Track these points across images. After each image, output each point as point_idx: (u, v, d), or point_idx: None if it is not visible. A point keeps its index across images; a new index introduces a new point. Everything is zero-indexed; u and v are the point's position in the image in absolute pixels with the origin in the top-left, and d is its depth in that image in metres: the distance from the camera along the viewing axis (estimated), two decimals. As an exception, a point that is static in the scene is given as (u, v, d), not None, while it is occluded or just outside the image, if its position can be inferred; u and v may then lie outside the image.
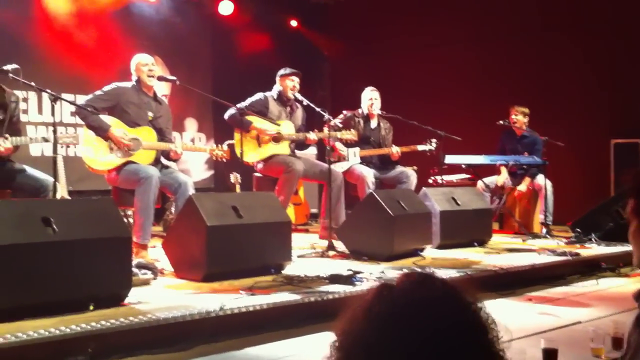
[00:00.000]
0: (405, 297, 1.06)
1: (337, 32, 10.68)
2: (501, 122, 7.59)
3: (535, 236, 7.12)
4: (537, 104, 8.01)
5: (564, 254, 5.70)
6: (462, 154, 7.26)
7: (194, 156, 9.19)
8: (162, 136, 5.48)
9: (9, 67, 4.60)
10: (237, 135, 6.04)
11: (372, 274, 4.51)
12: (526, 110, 7.68)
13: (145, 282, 4.13)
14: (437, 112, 8.47)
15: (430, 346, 1.00)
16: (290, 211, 7.71)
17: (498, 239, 6.79)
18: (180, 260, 4.53)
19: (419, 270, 4.53)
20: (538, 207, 7.52)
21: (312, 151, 8.54)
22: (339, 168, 6.66)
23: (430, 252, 5.77)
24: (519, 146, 7.67)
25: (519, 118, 7.63)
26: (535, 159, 7.32)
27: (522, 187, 7.53)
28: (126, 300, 3.59)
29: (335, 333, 1.10)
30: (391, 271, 4.72)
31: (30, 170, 4.83)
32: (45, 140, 4.89)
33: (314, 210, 9.42)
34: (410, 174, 6.87)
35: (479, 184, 7.50)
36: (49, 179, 4.66)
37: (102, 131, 5.18)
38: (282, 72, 6.55)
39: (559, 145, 7.23)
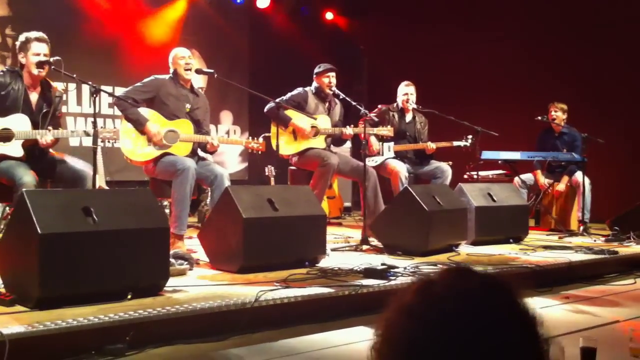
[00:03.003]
0: (449, 291, 1.05)
1: (374, 26, 10.66)
2: (539, 118, 7.50)
3: (572, 234, 7.03)
4: (577, 101, 7.89)
5: (601, 252, 5.62)
6: (498, 150, 7.18)
7: (228, 148, 9.27)
8: (200, 128, 5.53)
9: (51, 59, 4.70)
10: (273, 129, 6.07)
11: (407, 269, 4.50)
12: (565, 107, 7.57)
13: (182, 273, 4.18)
14: (474, 108, 8.40)
15: (476, 340, 0.98)
16: (324, 205, 7.72)
17: (534, 236, 6.71)
18: (216, 251, 4.58)
19: (455, 264, 4.51)
20: (576, 204, 7.41)
21: (347, 145, 8.54)
22: (372, 162, 6.65)
23: (465, 248, 5.74)
24: (558, 143, 7.57)
25: (558, 114, 7.53)
26: (574, 155, 7.22)
27: (561, 186, 7.42)
28: (163, 290, 3.63)
29: (377, 331, 1.08)
30: (426, 267, 4.70)
31: (70, 161, 4.91)
32: (87, 134, 4.97)
33: (348, 204, 9.43)
34: (446, 169, 6.83)
35: (516, 180, 7.42)
36: (88, 170, 4.74)
37: (139, 125, 5.25)
38: (317, 70, 6.55)
39: (598, 142, 7.11)
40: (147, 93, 5.38)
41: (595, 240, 6.51)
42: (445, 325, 1.00)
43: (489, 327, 0.99)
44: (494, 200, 6.21)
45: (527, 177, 7.55)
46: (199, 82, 8.25)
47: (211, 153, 5.66)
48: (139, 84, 5.44)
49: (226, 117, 9.69)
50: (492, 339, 0.99)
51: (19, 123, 4.70)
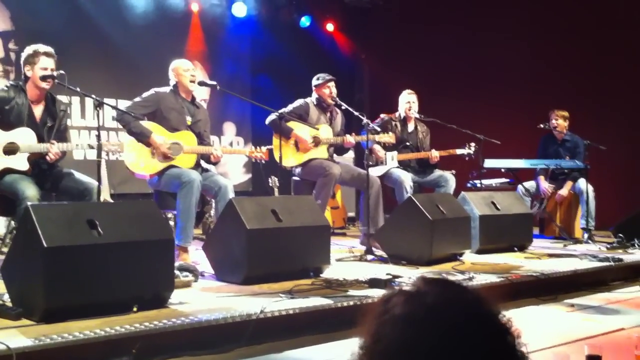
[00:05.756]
0: (443, 301, 1.08)
1: (375, 35, 10.70)
2: (542, 125, 7.51)
3: (577, 241, 7.03)
4: (578, 108, 7.90)
5: (606, 259, 5.61)
6: (501, 158, 7.19)
7: (232, 159, 9.29)
8: (201, 140, 5.55)
9: (55, 73, 4.73)
10: (275, 141, 6.09)
11: (411, 279, 4.50)
12: (566, 114, 7.58)
13: (187, 284, 4.19)
14: (477, 116, 8.41)
15: (450, 346, 1.03)
16: (328, 215, 7.73)
17: (538, 244, 6.71)
18: (220, 263, 4.58)
19: (432, 275, 4.52)
20: (579, 211, 7.41)
21: (350, 155, 8.55)
22: (376, 172, 6.66)
23: (470, 257, 5.74)
24: (561, 150, 7.58)
25: (560, 122, 7.54)
26: (577, 162, 7.22)
27: (564, 191, 7.44)
28: (168, 302, 3.64)
29: (365, 341, 1.12)
30: (430, 275, 4.69)
31: (76, 174, 4.94)
32: (91, 147, 4.99)
33: (352, 214, 9.44)
34: (449, 177, 6.83)
35: (519, 188, 7.42)
36: (93, 183, 4.75)
37: (143, 137, 5.27)
38: (315, 82, 6.54)
39: (601, 149, 7.11)
40: (148, 107, 5.39)
41: (599, 248, 6.50)
42: (446, 334, 1.03)
43: (463, 332, 1.04)
44: (497, 209, 6.21)
45: (530, 184, 7.55)
46: (202, 94, 8.29)
47: (215, 164, 5.67)
48: (138, 98, 5.45)
49: (229, 128, 9.72)
50: (465, 344, 1.03)
51: (24, 137, 4.72)
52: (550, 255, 5.99)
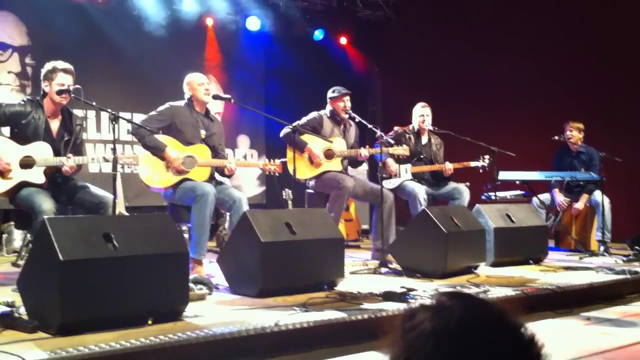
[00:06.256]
0: (452, 315, 1.09)
1: (388, 48, 10.72)
2: (556, 137, 7.48)
3: (593, 254, 6.97)
4: (593, 119, 7.85)
5: (622, 272, 5.56)
6: (516, 170, 7.17)
7: (246, 172, 9.32)
8: (215, 153, 5.57)
9: (71, 87, 4.78)
10: (289, 153, 6.11)
11: (426, 292, 4.49)
12: (581, 126, 7.54)
13: (201, 297, 4.19)
14: (490, 128, 8.39)
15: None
16: (342, 227, 7.72)
17: (554, 257, 6.66)
18: (235, 275, 4.59)
19: (457, 289, 4.50)
20: (595, 224, 7.36)
21: (364, 168, 8.55)
22: (390, 184, 6.65)
23: (485, 270, 5.71)
24: (576, 162, 7.54)
25: (574, 134, 7.50)
26: (592, 174, 7.18)
27: (580, 204, 7.38)
28: (183, 315, 3.65)
29: (392, 355, 1.12)
30: (445, 289, 4.68)
31: (92, 187, 4.98)
32: (106, 160, 5.04)
33: (365, 227, 9.42)
34: (463, 190, 6.81)
35: (534, 200, 7.38)
36: (109, 196, 4.79)
37: (158, 151, 5.31)
38: (331, 94, 6.58)
39: (616, 161, 7.07)
40: (163, 121, 5.43)
41: (616, 260, 6.45)
42: (478, 348, 1.05)
43: (515, 348, 1.07)
44: (512, 221, 6.18)
45: (545, 197, 7.51)
46: (217, 107, 8.33)
47: (229, 177, 5.69)
48: (154, 112, 5.49)
49: (243, 141, 9.76)
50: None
51: (40, 150, 4.77)
52: (566, 268, 5.94)
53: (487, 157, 7.00)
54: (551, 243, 7.27)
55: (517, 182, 7.46)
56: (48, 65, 4.87)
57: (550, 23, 9.00)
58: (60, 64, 4.84)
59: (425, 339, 1.07)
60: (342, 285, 4.71)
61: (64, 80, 4.80)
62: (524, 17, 9.23)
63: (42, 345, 3.00)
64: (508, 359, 1.05)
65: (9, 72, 7.77)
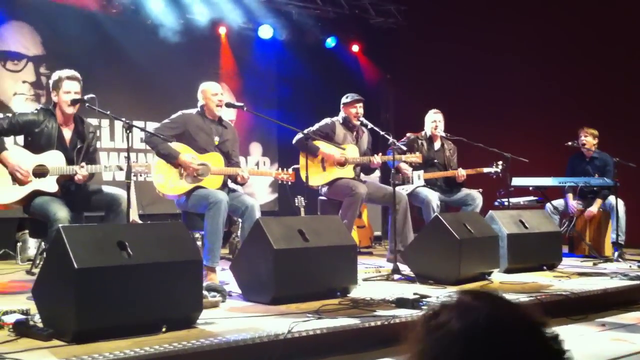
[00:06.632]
0: (479, 315, 1.09)
1: (400, 55, 10.72)
2: (570, 143, 7.45)
3: (607, 259, 6.93)
4: (607, 125, 7.81)
5: (637, 277, 5.53)
6: (529, 176, 7.14)
7: (258, 180, 9.33)
8: (229, 159, 5.60)
9: (85, 97, 4.82)
10: (302, 160, 6.12)
11: (439, 298, 4.47)
12: (595, 132, 7.51)
13: (215, 305, 4.21)
14: (503, 134, 8.37)
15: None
16: (354, 234, 7.72)
17: (568, 263, 6.63)
18: (248, 283, 4.60)
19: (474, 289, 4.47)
20: (609, 229, 7.31)
21: (376, 174, 8.55)
22: (402, 191, 6.65)
23: (498, 276, 5.69)
24: (589, 168, 7.50)
25: (589, 140, 7.47)
26: (606, 180, 7.14)
27: (594, 208, 7.34)
28: (197, 322, 3.66)
29: (408, 357, 1.12)
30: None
31: (104, 188, 5.06)
32: (120, 168, 5.09)
33: (378, 233, 9.42)
34: (476, 196, 6.80)
35: (548, 206, 7.35)
36: (121, 192, 4.87)
37: (172, 158, 5.34)
38: (344, 100, 6.61)
39: (630, 167, 7.03)
40: (176, 129, 5.47)
41: (630, 266, 6.40)
42: (508, 347, 1.07)
43: (541, 347, 1.10)
44: (525, 227, 6.15)
45: (559, 202, 7.48)
46: (229, 114, 8.37)
47: (241, 184, 5.72)
48: (167, 120, 5.54)
49: (255, 148, 9.79)
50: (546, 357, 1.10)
51: (53, 159, 4.82)
52: (580, 274, 5.91)
53: (500, 163, 6.98)
54: (565, 249, 7.24)
55: (531, 188, 7.44)
56: (54, 76, 4.95)
57: (563, 29, 8.97)
58: (65, 72, 4.91)
59: (454, 338, 1.07)
60: (355, 292, 4.72)
61: (70, 87, 4.86)
62: (537, 23, 9.21)
63: (57, 353, 3.03)
64: (535, 358, 1.06)
65: (24, 82, 7.84)
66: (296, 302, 4.32)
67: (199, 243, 5.72)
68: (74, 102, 4.85)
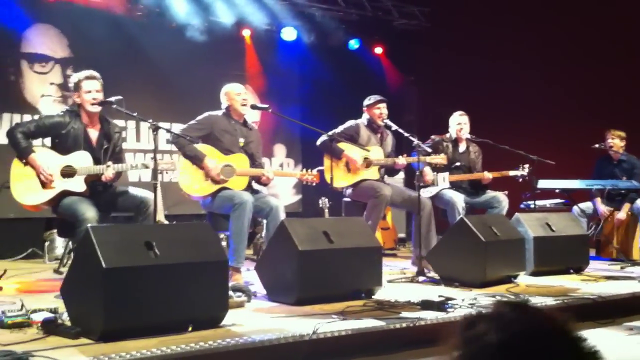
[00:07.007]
0: (516, 327, 1.08)
1: (423, 57, 10.69)
2: (597, 145, 7.37)
3: (635, 263, 6.84)
4: (634, 127, 7.71)
5: (666, 282, 5.45)
6: (555, 179, 7.07)
7: (282, 181, 9.35)
8: (253, 161, 5.62)
9: (112, 98, 4.87)
10: (326, 162, 6.12)
11: (465, 301, 4.45)
12: (623, 134, 7.42)
13: (240, 305, 4.22)
14: (529, 136, 8.29)
15: None
16: (378, 236, 7.70)
17: (595, 266, 6.55)
18: (273, 283, 4.61)
19: (510, 298, 4.43)
20: (637, 232, 7.22)
21: (400, 176, 8.52)
22: (427, 193, 6.61)
23: (524, 279, 5.64)
24: (617, 170, 7.41)
25: (616, 142, 7.39)
26: (634, 183, 7.05)
27: (622, 214, 7.24)
28: (222, 322, 3.68)
29: None
30: (484, 298, 4.64)
31: (131, 189, 5.09)
32: (145, 166, 5.13)
33: (402, 235, 9.39)
34: (502, 198, 6.74)
35: (575, 209, 7.27)
36: (149, 195, 4.89)
37: (197, 160, 5.38)
38: (367, 102, 6.60)
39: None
40: (202, 130, 5.51)
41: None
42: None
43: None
44: (552, 230, 6.09)
45: (586, 205, 7.40)
46: (253, 116, 8.39)
47: (265, 185, 5.73)
48: (193, 121, 5.58)
49: (279, 150, 9.81)
50: None
51: (80, 160, 4.87)
52: (608, 278, 5.84)
53: (526, 165, 6.92)
54: (592, 252, 7.15)
55: (557, 191, 7.37)
56: (73, 78, 5.04)
57: (589, 31, 8.88)
58: (83, 73, 4.98)
59: (491, 351, 1.06)
60: (380, 294, 4.70)
61: (90, 86, 4.92)
62: (564, 25, 9.12)
63: (84, 351, 3.06)
64: None
65: (51, 84, 7.94)
66: (321, 303, 4.32)
67: (224, 244, 5.74)
68: (101, 104, 4.90)
